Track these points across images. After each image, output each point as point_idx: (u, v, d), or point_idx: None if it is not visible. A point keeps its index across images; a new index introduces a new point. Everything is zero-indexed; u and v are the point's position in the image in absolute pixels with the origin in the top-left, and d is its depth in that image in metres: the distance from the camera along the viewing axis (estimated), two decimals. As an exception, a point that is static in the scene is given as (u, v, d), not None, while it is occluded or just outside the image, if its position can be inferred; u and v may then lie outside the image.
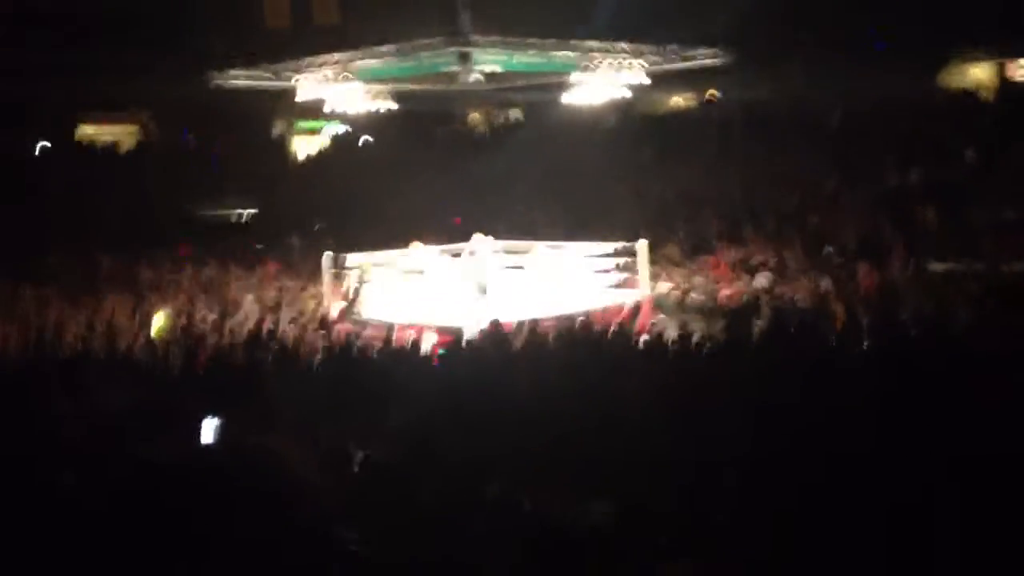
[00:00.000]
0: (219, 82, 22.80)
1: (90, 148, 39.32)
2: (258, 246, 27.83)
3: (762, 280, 20.82)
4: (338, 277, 19.50)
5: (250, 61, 22.59)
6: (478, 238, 18.95)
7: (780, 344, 11.50)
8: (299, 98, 22.65)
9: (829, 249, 21.74)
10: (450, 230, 23.46)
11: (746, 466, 6.49)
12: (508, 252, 19.78)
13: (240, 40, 31.49)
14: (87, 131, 41.14)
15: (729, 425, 7.61)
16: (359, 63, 20.85)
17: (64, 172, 31.46)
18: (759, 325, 16.09)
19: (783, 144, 28.20)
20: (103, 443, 6.80)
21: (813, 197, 25.20)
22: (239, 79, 22.65)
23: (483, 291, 16.80)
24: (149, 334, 16.06)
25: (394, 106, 23.71)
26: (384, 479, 5.76)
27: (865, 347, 11.77)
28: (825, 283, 19.49)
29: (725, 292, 20.98)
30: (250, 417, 8.32)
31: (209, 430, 7.94)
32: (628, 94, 22.20)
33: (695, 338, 13.28)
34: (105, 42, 32.60)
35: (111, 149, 39.18)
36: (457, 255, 19.46)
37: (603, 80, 20.88)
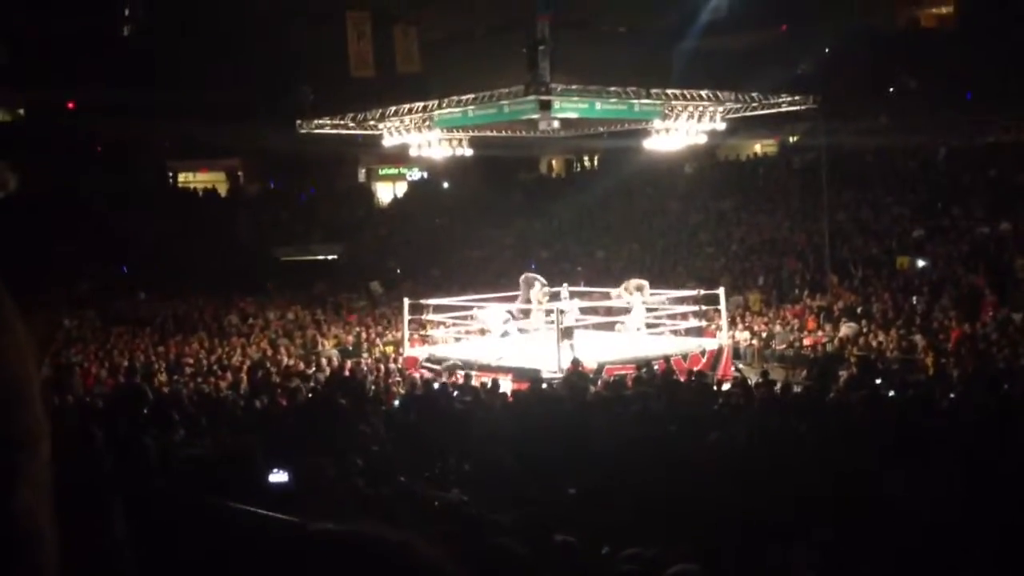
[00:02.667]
0: (306, 130, 23.52)
1: (181, 193, 40.60)
2: (343, 295, 28.26)
3: (846, 329, 20.36)
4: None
5: (336, 110, 23.22)
6: (538, 283, 18.89)
7: (867, 397, 11.17)
8: (384, 144, 23.15)
9: (915, 299, 21.20)
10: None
11: (831, 526, 6.29)
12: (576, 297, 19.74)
13: (326, 89, 32.38)
14: (178, 177, 42.55)
15: (813, 482, 7.40)
16: (441, 111, 21.23)
17: (156, 217, 32.55)
18: (843, 376, 15.75)
19: (867, 191, 27.70)
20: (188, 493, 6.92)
21: (899, 245, 24.64)
22: (325, 127, 23.32)
23: (565, 335, 16.71)
24: (232, 376, 16.37)
25: (471, 152, 23.96)
26: (464, 525, 5.75)
27: (955, 401, 11.40)
28: (913, 334, 18.98)
29: (807, 341, 20.60)
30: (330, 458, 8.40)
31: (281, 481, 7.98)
32: (705, 140, 22.21)
33: (777, 387, 13.03)
34: (195, 90, 33.85)
35: (201, 194, 40.39)
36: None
37: (683, 127, 20.85)
